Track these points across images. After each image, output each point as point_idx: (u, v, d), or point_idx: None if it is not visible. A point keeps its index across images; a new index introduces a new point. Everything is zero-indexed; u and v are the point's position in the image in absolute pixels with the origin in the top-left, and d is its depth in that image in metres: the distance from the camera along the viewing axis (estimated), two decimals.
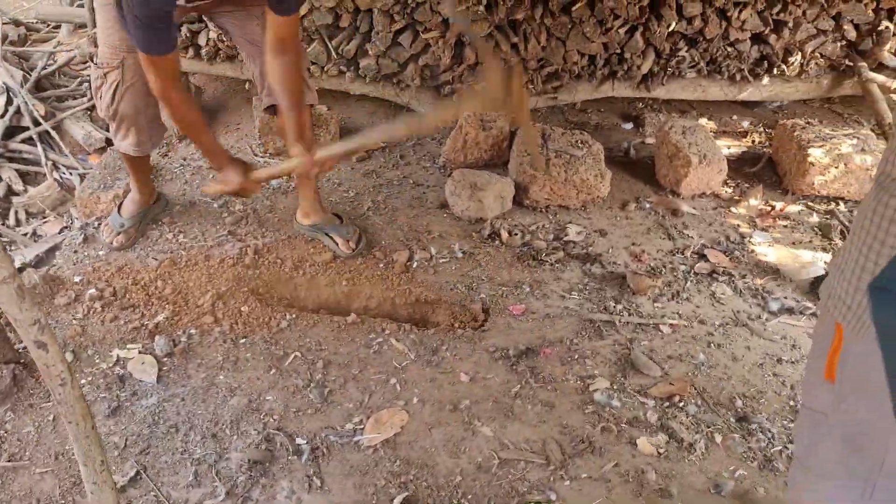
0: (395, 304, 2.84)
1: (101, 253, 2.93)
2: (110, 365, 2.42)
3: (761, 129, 4.16)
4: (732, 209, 3.44)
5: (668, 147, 3.51)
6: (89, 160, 3.80)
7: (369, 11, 3.63)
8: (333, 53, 3.75)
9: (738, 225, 3.32)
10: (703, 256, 3.07)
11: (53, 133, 3.87)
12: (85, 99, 4.09)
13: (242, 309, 2.66)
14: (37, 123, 3.87)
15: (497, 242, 3.09)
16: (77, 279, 2.76)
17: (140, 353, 2.47)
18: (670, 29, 3.77)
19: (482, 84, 2.33)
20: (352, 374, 2.43)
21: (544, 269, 2.96)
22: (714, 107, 4.33)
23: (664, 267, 3.01)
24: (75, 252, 2.95)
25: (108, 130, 3.95)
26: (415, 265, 2.94)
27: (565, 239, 3.14)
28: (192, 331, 2.57)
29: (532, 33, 3.70)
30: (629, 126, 4.16)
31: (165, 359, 2.46)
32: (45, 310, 2.61)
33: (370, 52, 3.73)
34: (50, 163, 3.72)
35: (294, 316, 2.66)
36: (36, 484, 2.04)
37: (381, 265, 2.92)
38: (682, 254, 3.10)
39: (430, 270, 2.92)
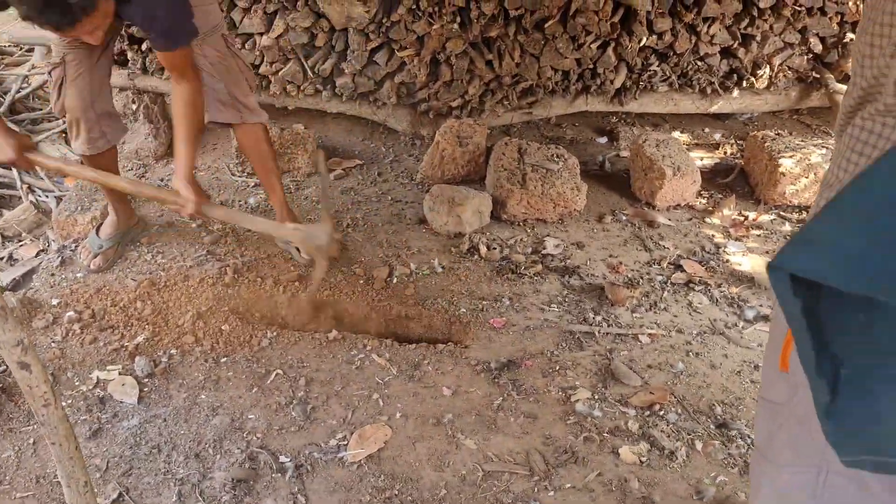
0: (376, 321, 2.84)
1: (78, 275, 2.92)
2: (90, 387, 2.40)
3: (733, 140, 4.24)
4: (707, 220, 3.49)
5: (642, 160, 3.56)
6: (65, 183, 3.78)
7: (345, 30, 3.66)
8: (310, 72, 3.77)
9: (713, 235, 3.37)
10: (679, 267, 3.12)
11: None
12: (60, 122, 4.07)
13: (223, 328, 2.65)
14: None
15: (476, 257, 3.12)
16: (55, 302, 2.74)
17: (120, 374, 2.45)
18: (641, 44, 3.84)
19: (314, 227, 2.55)
20: (334, 391, 2.43)
21: (523, 282, 2.98)
22: (686, 120, 4.40)
23: (641, 278, 3.05)
24: (52, 275, 2.93)
25: None
26: (395, 281, 2.95)
27: (543, 252, 3.17)
28: (173, 351, 2.55)
29: (506, 50, 3.75)
30: (604, 140, 4.22)
31: (146, 379, 2.44)
32: None
33: (346, 71, 3.75)
34: (25, 186, 3.69)
35: (275, 334, 2.66)
36: None
37: (362, 281, 2.93)
38: (659, 264, 3.14)
39: (411, 286, 2.93)
